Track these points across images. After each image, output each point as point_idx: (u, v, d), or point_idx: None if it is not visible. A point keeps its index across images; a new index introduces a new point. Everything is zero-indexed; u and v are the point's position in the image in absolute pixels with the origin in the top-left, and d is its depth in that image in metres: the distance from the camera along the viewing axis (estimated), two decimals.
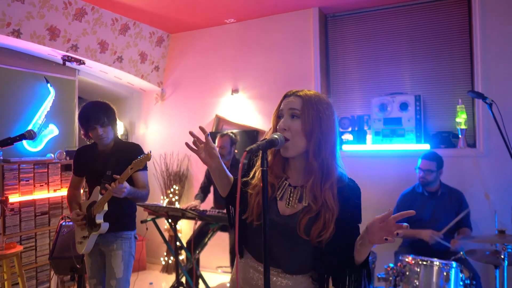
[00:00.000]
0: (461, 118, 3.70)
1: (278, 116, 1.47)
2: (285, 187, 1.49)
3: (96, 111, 2.40)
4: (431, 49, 3.96)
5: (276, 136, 1.34)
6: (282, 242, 1.43)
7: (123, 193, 2.21)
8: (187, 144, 1.51)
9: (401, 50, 4.09)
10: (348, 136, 4.13)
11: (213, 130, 4.72)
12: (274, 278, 1.45)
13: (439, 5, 3.95)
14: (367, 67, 4.24)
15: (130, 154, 2.46)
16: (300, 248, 1.40)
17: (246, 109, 4.56)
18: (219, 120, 4.71)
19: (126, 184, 2.22)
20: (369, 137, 4.12)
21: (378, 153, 3.98)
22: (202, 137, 1.51)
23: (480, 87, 3.57)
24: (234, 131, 4.31)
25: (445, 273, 2.36)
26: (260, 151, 1.30)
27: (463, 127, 3.71)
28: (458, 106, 3.72)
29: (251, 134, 4.48)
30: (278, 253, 1.44)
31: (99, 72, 4.63)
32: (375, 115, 4.00)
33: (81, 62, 4.16)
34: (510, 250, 2.42)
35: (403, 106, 3.88)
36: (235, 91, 4.58)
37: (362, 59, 4.26)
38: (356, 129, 4.16)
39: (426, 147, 3.77)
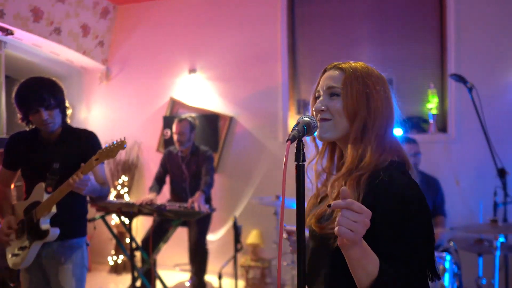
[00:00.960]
0: (433, 103, 3.60)
1: (316, 97, 1.18)
2: (330, 181, 1.19)
3: (40, 89, 1.89)
4: (402, 31, 3.80)
5: (307, 118, 1.02)
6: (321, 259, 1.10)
7: (87, 187, 1.77)
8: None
9: (371, 32, 3.89)
10: None
11: (167, 115, 4.25)
12: None
13: None
14: (336, 48, 3.99)
15: (83, 144, 2.02)
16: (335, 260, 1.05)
17: (205, 91, 4.14)
18: (174, 103, 4.25)
19: (91, 175, 1.80)
20: None
21: None
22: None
23: (452, 71, 3.47)
24: (193, 115, 3.90)
25: (440, 267, 2.20)
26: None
27: (434, 112, 3.61)
28: (429, 90, 3.60)
29: (211, 118, 4.09)
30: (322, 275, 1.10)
31: (31, 46, 3.95)
32: None
33: (8, 32, 3.49)
34: (503, 240, 2.32)
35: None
36: (192, 71, 4.14)
37: (331, 40, 4.00)
38: None
39: (398, 132, 3.62)
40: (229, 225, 4.13)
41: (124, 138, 1.82)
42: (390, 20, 3.83)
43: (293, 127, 1.00)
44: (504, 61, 3.32)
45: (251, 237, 3.97)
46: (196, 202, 3.16)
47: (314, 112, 1.16)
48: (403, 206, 0.99)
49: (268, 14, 3.93)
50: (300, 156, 0.97)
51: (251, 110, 4.03)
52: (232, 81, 4.06)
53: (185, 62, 4.19)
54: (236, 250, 3.21)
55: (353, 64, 1.16)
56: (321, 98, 1.15)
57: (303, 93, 4.08)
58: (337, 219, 0.87)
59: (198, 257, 3.46)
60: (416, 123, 3.72)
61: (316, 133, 1.15)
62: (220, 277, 3.25)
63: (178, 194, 3.64)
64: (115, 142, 1.84)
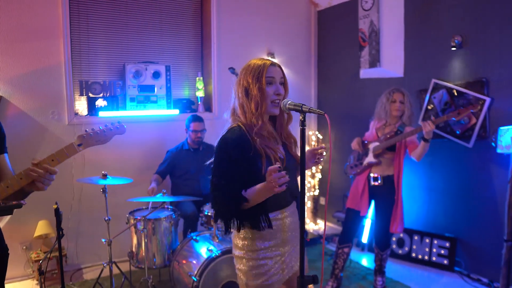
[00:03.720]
0: (201, 88, 4.47)
1: (270, 82, 1.75)
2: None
3: None
4: (171, 26, 4.41)
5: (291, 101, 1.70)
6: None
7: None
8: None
9: (149, 22, 4.28)
10: (101, 102, 3.96)
11: None
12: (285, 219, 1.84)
13: None
14: (115, 32, 4.13)
15: None
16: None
17: None
18: None
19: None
20: (121, 102, 4.13)
21: (134, 118, 4.11)
22: None
23: (215, 64, 4.45)
24: None
25: None
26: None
27: (201, 95, 4.50)
28: (197, 78, 4.46)
29: None
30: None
31: None
32: (130, 82, 4.07)
33: None
34: None
35: (156, 75, 4.19)
36: None
37: (110, 25, 4.10)
38: (108, 94, 4.05)
39: (175, 112, 4.30)
40: (5, 221, 3.61)
41: (119, 122, 1.73)
42: (165, 16, 4.35)
43: (302, 105, 1.58)
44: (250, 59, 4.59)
45: (39, 229, 3.64)
46: None
47: (267, 95, 1.73)
48: None
49: None
50: (304, 123, 1.58)
51: (27, 90, 3.59)
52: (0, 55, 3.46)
53: None
54: (60, 237, 3.02)
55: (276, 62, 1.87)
56: (277, 85, 1.76)
57: (82, 74, 4.00)
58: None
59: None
60: (187, 104, 4.49)
61: (269, 109, 1.76)
62: (42, 273, 2.98)
63: None
64: (108, 125, 1.77)
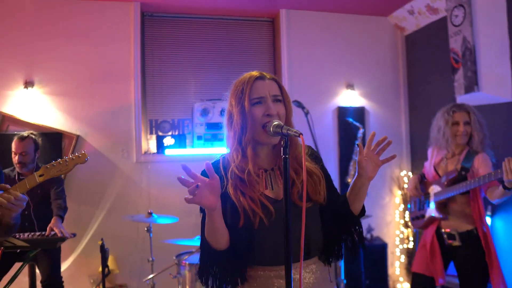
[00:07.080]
0: None
1: (256, 102, 1.34)
2: (262, 175, 1.37)
3: None
4: (243, 62, 4.36)
5: (279, 122, 1.28)
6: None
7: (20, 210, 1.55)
8: (189, 199, 1.13)
9: (218, 59, 4.31)
10: (169, 141, 4.00)
11: None
12: (297, 275, 1.29)
13: (249, 24, 4.41)
14: (185, 71, 4.24)
15: None
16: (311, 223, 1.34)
17: (44, 107, 3.72)
18: (4, 119, 3.65)
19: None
20: (189, 141, 4.13)
21: (200, 156, 4.04)
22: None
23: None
24: (35, 132, 3.47)
25: None
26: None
27: None
28: None
29: (53, 137, 3.70)
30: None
31: None
32: (197, 120, 4.05)
33: None
34: None
35: (224, 112, 4.08)
36: (29, 84, 3.66)
37: (181, 63, 4.24)
38: (177, 133, 4.09)
39: None
40: (76, 253, 3.78)
41: (84, 151, 1.75)
42: (234, 51, 4.35)
43: (283, 126, 1.23)
44: (325, 92, 4.24)
45: None
46: (56, 227, 2.87)
47: (255, 118, 1.32)
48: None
49: (121, 32, 3.88)
50: (287, 150, 1.20)
51: (101, 129, 3.84)
52: (79, 97, 3.79)
53: (19, 74, 3.66)
54: (104, 275, 3.00)
55: (274, 76, 1.42)
56: (267, 103, 1.32)
57: (153, 113, 4.15)
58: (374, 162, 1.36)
59: None
60: None
61: (259, 137, 1.34)
62: None
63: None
64: (70, 155, 1.75)
